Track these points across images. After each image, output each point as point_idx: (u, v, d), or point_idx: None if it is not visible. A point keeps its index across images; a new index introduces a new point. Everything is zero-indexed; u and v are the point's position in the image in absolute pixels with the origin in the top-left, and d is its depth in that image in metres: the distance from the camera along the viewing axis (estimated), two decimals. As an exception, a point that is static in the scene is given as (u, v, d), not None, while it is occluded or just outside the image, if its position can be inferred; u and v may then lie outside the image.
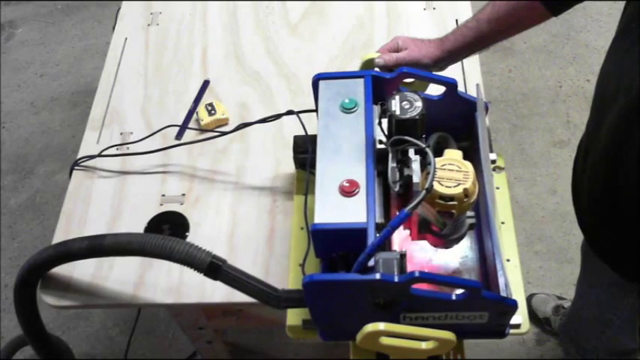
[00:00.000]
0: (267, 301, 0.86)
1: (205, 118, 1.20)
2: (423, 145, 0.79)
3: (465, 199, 0.79)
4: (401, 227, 0.90)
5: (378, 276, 0.72)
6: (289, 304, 0.86)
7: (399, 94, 0.83)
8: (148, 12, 1.45)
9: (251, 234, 1.06)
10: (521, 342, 1.78)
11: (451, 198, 0.79)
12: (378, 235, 0.76)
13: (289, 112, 1.06)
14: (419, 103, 0.82)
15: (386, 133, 0.85)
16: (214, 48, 1.35)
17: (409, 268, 0.78)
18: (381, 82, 0.90)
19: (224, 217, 1.08)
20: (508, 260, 0.95)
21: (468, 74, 1.23)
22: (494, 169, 1.05)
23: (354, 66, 0.97)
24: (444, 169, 0.80)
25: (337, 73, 0.94)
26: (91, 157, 1.17)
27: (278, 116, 1.08)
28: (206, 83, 1.28)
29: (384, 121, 0.85)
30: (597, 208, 1.00)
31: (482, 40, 1.03)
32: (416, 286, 0.74)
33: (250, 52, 1.34)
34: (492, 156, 1.06)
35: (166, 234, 1.06)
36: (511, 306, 0.76)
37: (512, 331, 0.89)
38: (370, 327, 0.75)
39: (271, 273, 1.00)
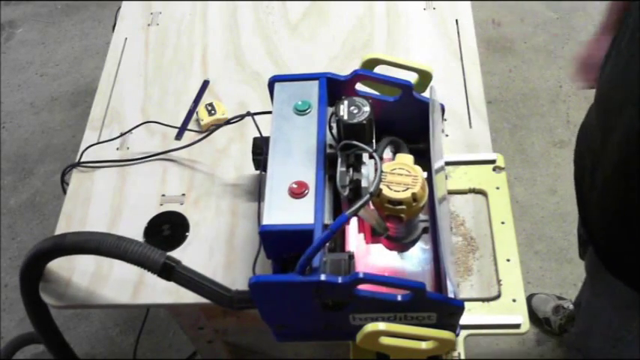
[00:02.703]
0: (220, 301, 0.87)
1: (205, 118, 1.20)
2: (370, 150, 0.80)
3: (414, 204, 0.80)
4: (356, 231, 0.91)
5: (322, 277, 0.73)
6: (241, 305, 0.87)
7: (347, 98, 0.84)
8: (148, 12, 1.45)
9: (251, 234, 1.06)
10: (521, 342, 1.78)
11: (399, 202, 0.79)
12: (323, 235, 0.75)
13: (247, 114, 1.08)
14: (367, 108, 0.83)
15: (335, 137, 0.86)
16: (214, 48, 1.35)
17: (365, 271, 0.78)
18: (336, 84, 0.91)
19: (224, 217, 1.08)
20: (508, 260, 0.95)
21: (468, 74, 1.23)
22: (494, 169, 1.05)
23: (354, 66, 0.97)
24: (394, 174, 0.81)
25: (293, 75, 0.94)
26: (83, 163, 1.17)
27: (241, 117, 1.10)
28: (206, 83, 1.28)
29: (335, 126, 0.85)
30: (613, 225, 0.98)
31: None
32: (365, 287, 0.74)
33: (250, 52, 1.34)
34: (492, 156, 1.06)
35: (166, 234, 1.06)
36: (458, 307, 0.77)
37: (512, 331, 0.89)
38: (370, 327, 0.75)
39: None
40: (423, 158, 0.87)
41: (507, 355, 1.76)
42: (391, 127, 0.92)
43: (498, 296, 0.92)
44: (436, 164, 0.84)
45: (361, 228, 0.90)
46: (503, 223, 0.99)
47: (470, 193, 1.03)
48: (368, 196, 0.74)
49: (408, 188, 0.80)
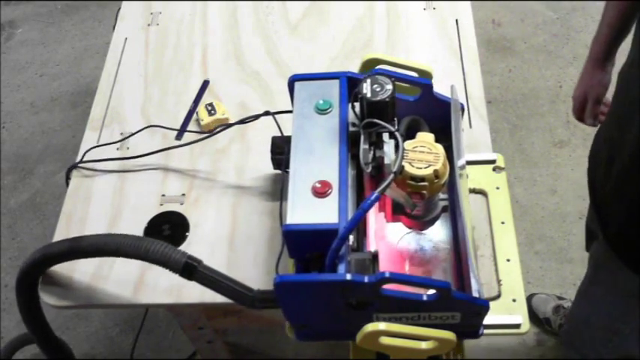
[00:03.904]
0: (242, 301, 0.87)
1: (205, 118, 1.20)
2: (392, 129, 0.81)
3: (436, 180, 0.81)
4: (375, 215, 0.91)
5: (348, 276, 0.73)
6: (264, 305, 0.87)
7: (370, 77, 0.84)
8: (148, 12, 1.45)
9: (251, 234, 1.06)
10: (521, 342, 1.78)
11: (422, 179, 0.80)
12: (352, 233, 0.76)
13: (266, 113, 1.07)
14: (389, 86, 0.83)
15: (358, 115, 0.86)
16: (214, 48, 1.35)
17: (386, 255, 0.78)
18: (356, 83, 0.91)
19: (224, 217, 1.08)
20: (508, 260, 0.95)
21: (468, 74, 1.23)
22: (494, 169, 1.05)
23: (355, 66, 0.97)
24: (415, 151, 0.82)
25: (313, 74, 0.94)
26: (85, 162, 1.17)
27: (256, 117, 1.09)
28: (206, 83, 1.28)
29: (357, 105, 0.86)
30: (628, 212, 0.99)
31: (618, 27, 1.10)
32: (389, 285, 0.74)
33: (250, 52, 1.34)
34: (492, 156, 1.06)
35: (166, 234, 1.06)
36: (483, 306, 0.77)
37: (512, 331, 0.89)
38: (370, 327, 0.75)
39: (272, 273, 1.00)
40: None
41: (507, 355, 1.76)
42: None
43: (498, 296, 0.92)
44: (459, 162, 0.85)
45: (382, 206, 0.90)
46: (503, 223, 0.99)
47: (470, 193, 1.03)
48: (393, 174, 0.75)
49: (430, 165, 0.80)
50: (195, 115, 1.23)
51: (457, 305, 0.76)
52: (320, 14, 1.39)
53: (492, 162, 1.05)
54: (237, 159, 1.16)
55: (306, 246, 0.79)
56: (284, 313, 0.82)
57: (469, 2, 1.37)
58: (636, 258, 1.03)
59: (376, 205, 0.91)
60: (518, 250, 0.96)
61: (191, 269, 0.86)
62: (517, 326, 0.89)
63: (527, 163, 2.13)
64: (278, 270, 0.95)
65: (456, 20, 1.33)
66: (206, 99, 1.25)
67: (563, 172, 2.09)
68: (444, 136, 0.88)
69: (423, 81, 0.89)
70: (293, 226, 0.77)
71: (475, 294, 0.77)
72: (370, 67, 0.97)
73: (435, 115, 0.91)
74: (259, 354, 1.48)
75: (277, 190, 1.11)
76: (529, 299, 1.80)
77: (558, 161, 2.13)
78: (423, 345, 0.78)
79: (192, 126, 1.22)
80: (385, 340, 0.77)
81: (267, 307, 0.87)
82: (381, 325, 0.75)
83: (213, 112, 1.21)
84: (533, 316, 1.78)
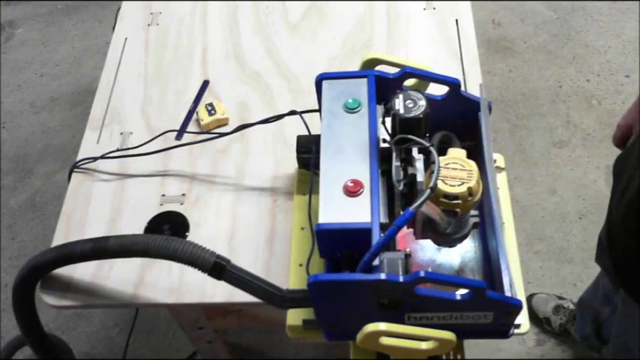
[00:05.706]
0: (272, 301, 0.86)
1: (205, 118, 1.20)
2: (427, 144, 0.79)
3: (469, 198, 0.79)
4: (404, 227, 0.91)
5: (383, 276, 0.72)
6: (293, 304, 0.86)
7: (402, 92, 0.83)
8: (148, 12, 1.45)
9: (251, 234, 1.06)
10: (521, 342, 1.78)
11: (455, 197, 0.79)
12: (382, 234, 0.76)
13: (292, 113, 1.06)
14: (423, 102, 0.82)
15: (389, 132, 0.86)
16: (214, 48, 1.36)
17: (413, 254, 0.78)
18: (384, 81, 0.91)
19: (224, 217, 1.08)
20: (508, 260, 0.95)
21: (468, 74, 1.23)
22: (494, 169, 1.05)
23: (355, 66, 0.97)
24: (448, 168, 0.80)
25: (340, 72, 0.94)
26: (89, 159, 1.17)
27: (280, 116, 1.08)
28: (206, 83, 1.28)
29: (388, 120, 0.85)
30: (632, 244, 0.97)
31: None
32: (421, 286, 0.74)
33: (250, 52, 1.34)
34: (493, 156, 1.06)
35: (166, 234, 1.06)
36: (516, 306, 0.76)
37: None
38: (370, 327, 0.75)
39: (272, 273, 1.00)
40: (469, 157, 0.87)
41: (507, 355, 1.76)
42: (437, 125, 0.91)
43: (498, 296, 0.92)
44: (489, 162, 0.84)
45: (410, 223, 0.89)
46: (503, 223, 0.98)
47: (470, 193, 1.03)
48: (429, 190, 0.74)
49: (463, 182, 0.79)
50: (195, 115, 1.23)
51: (490, 305, 0.76)
52: (320, 14, 1.39)
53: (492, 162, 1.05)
54: (237, 159, 1.16)
55: (339, 245, 0.79)
56: (315, 312, 0.82)
57: (469, 2, 1.37)
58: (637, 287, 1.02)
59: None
60: (518, 250, 0.96)
61: (220, 268, 0.86)
62: (517, 326, 0.88)
63: (527, 163, 2.13)
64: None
65: (456, 20, 1.33)
66: (206, 99, 1.25)
67: (563, 172, 2.09)
68: (470, 135, 0.87)
69: (451, 80, 0.89)
70: (326, 226, 0.77)
71: (507, 293, 0.76)
72: (370, 67, 0.97)
73: (462, 114, 0.90)
74: (259, 354, 1.48)
75: (277, 190, 1.11)
76: (529, 299, 1.80)
77: (558, 161, 2.13)
78: (423, 345, 0.78)
79: (192, 126, 1.22)
80: (385, 341, 0.77)
81: (297, 307, 0.87)
82: (381, 325, 0.75)
83: (213, 112, 1.21)
84: (533, 316, 1.78)
